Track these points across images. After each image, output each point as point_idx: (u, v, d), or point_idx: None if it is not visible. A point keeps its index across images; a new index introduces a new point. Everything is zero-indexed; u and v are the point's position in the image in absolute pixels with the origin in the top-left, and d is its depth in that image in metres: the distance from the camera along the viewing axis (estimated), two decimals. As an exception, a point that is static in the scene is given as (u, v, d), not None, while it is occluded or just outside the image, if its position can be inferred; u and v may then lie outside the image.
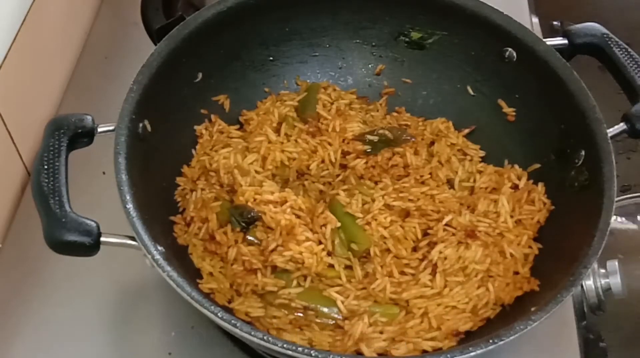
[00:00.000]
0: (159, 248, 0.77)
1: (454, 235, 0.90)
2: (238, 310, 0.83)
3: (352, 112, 1.04)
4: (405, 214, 0.93)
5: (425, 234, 0.92)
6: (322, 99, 1.04)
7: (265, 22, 1.02)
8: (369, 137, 1.00)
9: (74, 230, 0.75)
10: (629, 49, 0.94)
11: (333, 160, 0.99)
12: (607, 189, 0.83)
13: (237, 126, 1.02)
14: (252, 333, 0.72)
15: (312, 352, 0.71)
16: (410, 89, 1.08)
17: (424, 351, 0.81)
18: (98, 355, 0.90)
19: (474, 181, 0.97)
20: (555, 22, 1.56)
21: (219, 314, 0.73)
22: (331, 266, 0.88)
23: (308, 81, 1.08)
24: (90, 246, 0.76)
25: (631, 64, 0.93)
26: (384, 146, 0.99)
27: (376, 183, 0.96)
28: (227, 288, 0.86)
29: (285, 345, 0.71)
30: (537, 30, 1.29)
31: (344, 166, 0.99)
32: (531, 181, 0.95)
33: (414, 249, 0.91)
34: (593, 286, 1.02)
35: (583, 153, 0.89)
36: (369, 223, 0.91)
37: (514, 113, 1.00)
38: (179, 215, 0.92)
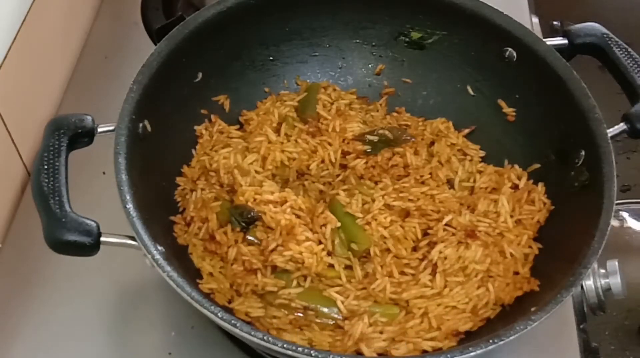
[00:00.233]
0: (159, 248, 0.77)
1: (454, 235, 0.90)
2: (238, 310, 0.83)
3: (352, 112, 1.04)
4: (405, 214, 0.93)
5: (425, 234, 0.92)
6: (322, 99, 1.04)
7: (265, 22, 1.02)
8: (369, 137, 1.00)
9: (74, 230, 0.75)
10: (629, 49, 0.94)
11: (333, 160, 0.99)
12: (607, 189, 0.83)
13: (237, 126, 1.02)
14: (252, 333, 0.72)
15: (312, 352, 0.71)
16: (410, 89, 1.08)
17: (424, 351, 0.81)
18: (98, 355, 0.90)
19: (474, 181, 0.97)
20: (555, 22, 1.56)
21: (219, 314, 0.73)
22: (331, 266, 0.88)
23: (308, 81, 1.08)
24: (90, 246, 0.76)
25: (631, 64, 0.93)
26: (384, 146, 0.99)
27: (376, 183, 0.96)
28: (227, 288, 0.86)
29: (285, 345, 0.71)
30: (537, 30, 1.29)
31: (344, 166, 0.99)
32: (531, 181, 0.95)
33: (414, 249, 0.91)
34: (593, 286, 1.02)
35: (583, 153, 0.89)
36: (369, 223, 0.91)
37: (514, 113, 1.00)
38: (179, 215, 0.92)
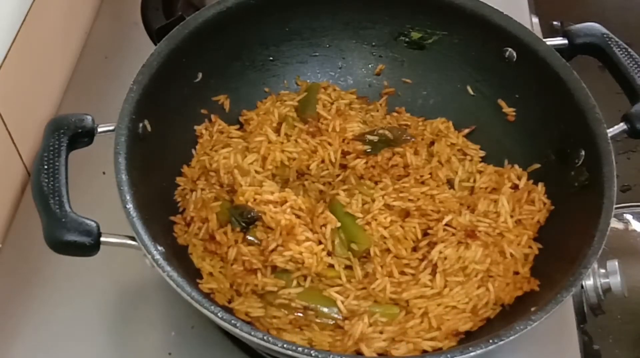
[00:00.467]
0: (159, 248, 0.77)
1: (454, 235, 0.90)
2: (238, 310, 0.83)
3: (352, 112, 1.04)
4: (405, 214, 0.93)
5: (425, 234, 0.92)
6: (322, 99, 1.04)
7: (265, 22, 1.02)
8: (369, 137, 1.00)
9: (74, 230, 0.75)
10: (629, 49, 0.94)
11: (333, 160, 0.99)
12: (607, 189, 0.83)
13: (237, 126, 1.02)
14: (252, 333, 0.72)
15: (312, 352, 0.71)
16: (410, 89, 1.08)
17: (424, 351, 0.81)
18: (98, 355, 0.90)
19: (474, 181, 0.97)
20: (555, 22, 1.56)
21: (219, 314, 0.73)
22: (331, 266, 0.88)
23: (308, 81, 1.08)
24: (90, 246, 0.76)
25: (631, 64, 0.93)
26: (384, 146, 0.99)
27: (376, 183, 0.95)
28: (227, 288, 0.86)
29: (285, 345, 0.71)
30: (537, 30, 1.29)
31: (344, 166, 0.99)
32: (531, 181, 0.95)
33: (414, 249, 0.91)
34: (593, 286, 1.02)
35: (583, 153, 0.89)
36: (369, 223, 0.91)
37: (514, 113, 1.00)
38: (179, 215, 0.92)
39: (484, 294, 0.86)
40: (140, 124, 0.87)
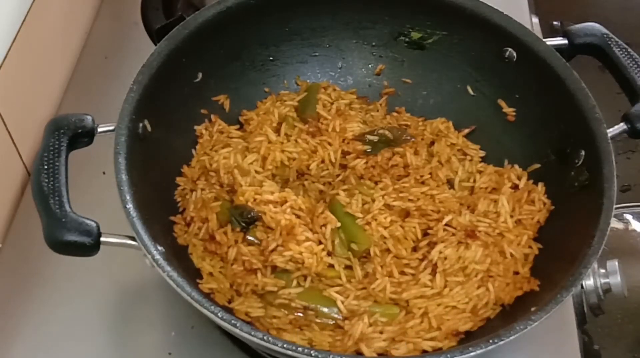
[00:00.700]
0: (159, 248, 0.77)
1: (454, 235, 0.90)
2: (238, 310, 0.83)
3: (352, 112, 1.04)
4: (405, 214, 0.93)
5: (425, 234, 0.92)
6: (322, 99, 1.04)
7: (265, 22, 1.02)
8: (369, 137, 1.00)
9: (74, 230, 0.75)
10: (629, 49, 0.94)
11: (333, 160, 0.99)
12: (607, 189, 0.83)
13: (237, 126, 1.02)
14: (252, 333, 0.72)
15: (312, 352, 0.71)
16: (410, 89, 1.08)
17: (424, 351, 0.81)
18: (98, 355, 0.90)
19: (474, 181, 0.97)
20: (555, 22, 1.56)
21: (219, 314, 0.73)
22: (331, 266, 0.88)
23: (308, 81, 1.08)
24: (90, 246, 0.76)
25: (631, 64, 0.93)
26: (384, 146, 0.99)
27: (376, 183, 0.95)
28: (227, 288, 0.86)
29: (285, 345, 0.71)
30: (537, 30, 1.29)
31: (344, 166, 0.99)
32: (531, 181, 0.95)
33: (414, 249, 0.91)
34: (593, 286, 1.02)
35: (583, 153, 0.89)
36: (369, 223, 0.91)
37: (514, 113, 1.00)
38: (179, 215, 0.92)
39: (484, 294, 0.86)
40: (140, 124, 0.87)
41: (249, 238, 0.89)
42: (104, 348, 0.90)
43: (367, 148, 0.99)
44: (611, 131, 0.88)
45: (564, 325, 0.93)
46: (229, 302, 0.85)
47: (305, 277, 0.87)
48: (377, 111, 1.06)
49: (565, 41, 0.97)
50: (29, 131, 1.03)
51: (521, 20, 0.99)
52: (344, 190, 0.94)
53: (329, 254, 0.89)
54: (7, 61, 0.97)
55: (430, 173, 0.97)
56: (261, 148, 0.97)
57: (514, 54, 0.98)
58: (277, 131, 1.00)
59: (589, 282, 1.02)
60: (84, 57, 1.20)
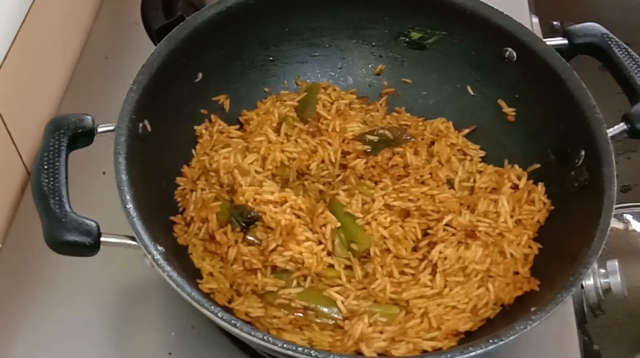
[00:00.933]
0: (159, 248, 0.77)
1: (454, 235, 0.90)
2: (238, 310, 0.83)
3: (352, 112, 1.04)
4: (405, 214, 0.93)
5: (425, 234, 0.92)
6: (322, 99, 1.04)
7: (265, 22, 1.02)
8: (369, 137, 1.00)
9: (74, 229, 0.75)
10: (629, 49, 0.94)
11: (333, 160, 0.99)
12: (607, 189, 0.83)
13: (237, 126, 1.02)
14: (252, 333, 0.72)
15: (312, 352, 0.71)
16: (410, 89, 1.08)
17: (424, 351, 0.81)
18: (98, 355, 0.90)
19: (474, 181, 0.97)
20: (555, 22, 1.56)
21: (219, 314, 0.73)
22: (331, 266, 0.88)
23: (308, 81, 1.08)
24: (90, 246, 0.76)
25: (631, 64, 0.93)
26: (384, 146, 0.99)
27: (376, 183, 0.95)
28: (227, 288, 0.86)
29: (285, 345, 0.71)
30: (537, 30, 1.29)
31: (344, 166, 0.99)
32: (531, 181, 0.95)
33: (414, 249, 0.91)
34: (593, 286, 1.02)
35: (583, 153, 0.89)
36: (369, 223, 0.91)
37: (514, 113, 1.00)
38: (179, 215, 0.92)
39: (484, 294, 0.86)
40: (140, 124, 0.87)
41: (249, 238, 0.89)
42: (104, 348, 0.90)
43: (367, 148, 0.99)
44: (611, 131, 0.88)
45: (564, 325, 0.93)
46: (229, 302, 0.85)
47: (305, 277, 0.87)
48: (377, 111, 1.06)
49: (565, 41, 0.97)
50: (29, 131, 1.03)
51: (521, 20, 0.99)
52: (344, 190, 0.94)
53: (329, 254, 0.89)
54: (7, 61, 0.97)
55: (430, 173, 0.97)
56: (261, 148, 0.97)
57: (514, 54, 0.98)
58: (277, 131, 1.00)
59: (589, 282, 1.02)
60: (84, 57, 1.20)
